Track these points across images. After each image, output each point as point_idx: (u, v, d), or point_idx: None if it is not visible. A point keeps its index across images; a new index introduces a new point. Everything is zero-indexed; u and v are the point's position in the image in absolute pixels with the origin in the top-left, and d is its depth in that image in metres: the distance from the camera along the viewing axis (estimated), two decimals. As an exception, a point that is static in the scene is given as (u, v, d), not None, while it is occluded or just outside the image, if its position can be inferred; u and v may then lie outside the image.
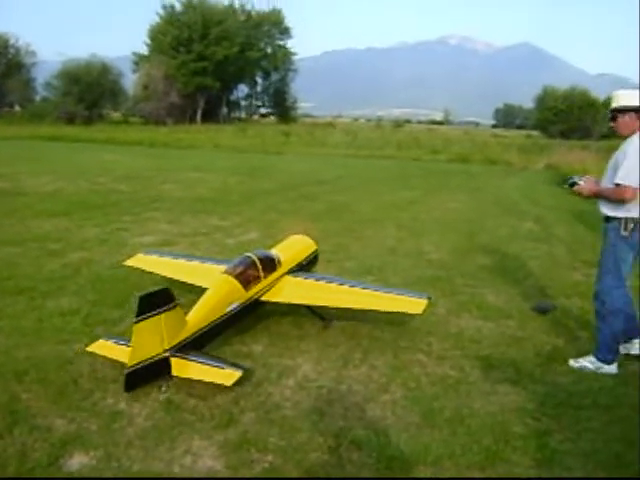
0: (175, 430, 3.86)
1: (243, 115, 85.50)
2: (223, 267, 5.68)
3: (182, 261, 6.63)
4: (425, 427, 4.02)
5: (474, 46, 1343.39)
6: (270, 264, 5.80)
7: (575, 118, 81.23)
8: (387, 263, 8.47)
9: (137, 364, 4.22)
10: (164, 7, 68.24)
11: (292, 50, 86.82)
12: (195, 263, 6.55)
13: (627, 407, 4.43)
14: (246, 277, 5.42)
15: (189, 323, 4.65)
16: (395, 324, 5.88)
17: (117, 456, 3.55)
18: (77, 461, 3.50)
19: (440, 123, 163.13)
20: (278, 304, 5.81)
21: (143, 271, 6.63)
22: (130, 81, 65.43)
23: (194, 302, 5.03)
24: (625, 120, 4.95)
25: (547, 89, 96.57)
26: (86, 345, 4.81)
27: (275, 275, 5.83)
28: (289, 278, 5.99)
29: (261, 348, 5.20)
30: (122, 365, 4.31)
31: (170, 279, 6.21)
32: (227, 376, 4.34)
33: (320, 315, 5.85)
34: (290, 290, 5.81)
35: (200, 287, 5.59)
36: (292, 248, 6.52)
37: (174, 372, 4.42)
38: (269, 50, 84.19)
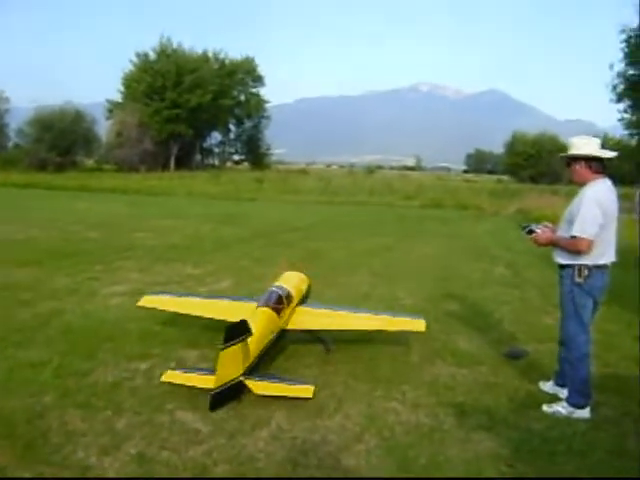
0: (147, 484, 3.79)
1: (216, 162, 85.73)
2: (240, 302, 6.87)
3: (194, 299, 7.24)
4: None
5: (444, 93, 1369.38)
6: (288, 297, 6.50)
7: (544, 163, 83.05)
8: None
9: (221, 386, 4.84)
10: (138, 55, 68.85)
11: (265, 98, 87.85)
12: (207, 300, 7.23)
13: (601, 451, 4.45)
14: (277, 309, 6.13)
15: (250, 350, 5.20)
16: (370, 371, 5.89)
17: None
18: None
19: (412, 169, 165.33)
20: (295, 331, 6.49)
21: (117, 320, 6.59)
22: (103, 128, 65.47)
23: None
24: (576, 168, 5.14)
25: (516, 134, 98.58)
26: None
27: (292, 306, 6.58)
28: (301, 309, 6.79)
29: (234, 398, 5.15)
30: (200, 390, 4.97)
31: (183, 314, 6.82)
32: (304, 390, 5.15)
33: (324, 341, 6.35)
34: (306, 319, 6.54)
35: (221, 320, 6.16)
36: (294, 282, 7.10)
37: (257, 391, 5.06)
38: (242, 98, 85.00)
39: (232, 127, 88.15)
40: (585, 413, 5.10)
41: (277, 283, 6.79)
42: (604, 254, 5.04)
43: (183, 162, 67.35)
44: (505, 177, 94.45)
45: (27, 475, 3.84)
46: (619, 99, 42.55)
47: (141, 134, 60.23)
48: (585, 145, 5.08)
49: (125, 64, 69.72)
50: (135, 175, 48.39)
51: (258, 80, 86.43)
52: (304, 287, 7.34)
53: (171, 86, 65.00)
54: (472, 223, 23.82)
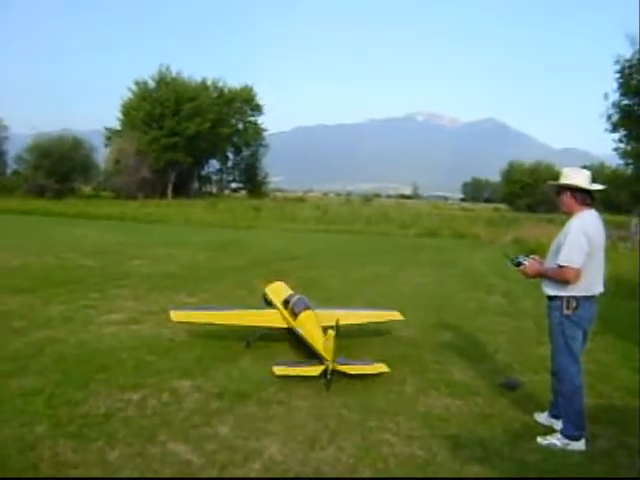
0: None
1: (214, 190, 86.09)
2: (259, 310, 8.30)
3: (219, 312, 8.15)
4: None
5: (440, 122, 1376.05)
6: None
7: (541, 192, 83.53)
8: (355, 340, 8.38)
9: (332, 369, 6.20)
10: (137, 83, 69.43)
11: (263, 126, 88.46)
12: (230, 312, 8.15)
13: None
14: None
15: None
16: (363, 402, 5.86)
17: None
18: None
19: (409, 197, 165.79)
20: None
21: (111, 349, 6.61)
22: (102, 155, 65.78)
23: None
24: (562, 198, 5.20)
25: (513, 163, 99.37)
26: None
27: None
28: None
29: (227, 430, 5.09)
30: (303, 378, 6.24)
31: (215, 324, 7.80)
32: (380, 367, 6.68)
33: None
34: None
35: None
36: (290, 289, 8.49)
37: (349, 372, 6.41)
38: (240, 126, 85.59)
39: (230, 155, 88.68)
40: (580, 445, 5.08)
41: (289, 292, 8.25)
42: (592, 285, 5.08)
43: (181, 190, 67.60)
44: (502, 205, 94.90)
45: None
46: (614, 129, 42.89)
47: (139, 162, 60.54)
48: (574, 176, 5.14)
49: (124, 91, 70.31)
50: (133, 202, 48.52)
51: (256, 109, 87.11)
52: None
53: (170, 114, 65.52)
54: (468, 252, 23.87)
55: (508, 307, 11.84)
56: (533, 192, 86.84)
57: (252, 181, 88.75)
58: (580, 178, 5.12)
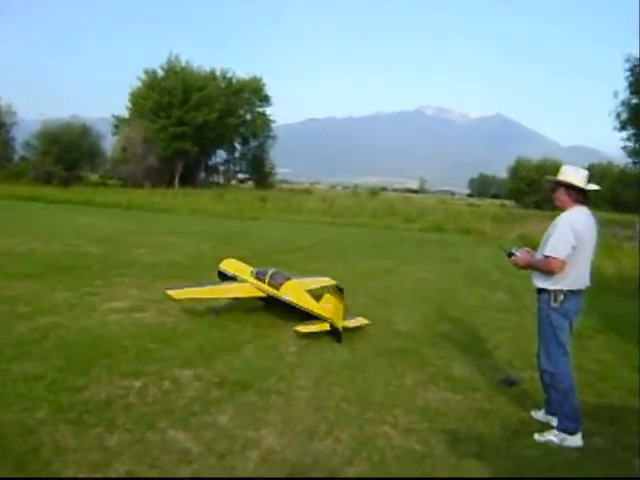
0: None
1: (221, 180, 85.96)
2: (242, 283, 9.44)
3: (210, 287, 9.26)
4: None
5: (449, 117, 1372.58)
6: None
7: (538, 187, 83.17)
8: (355, 333, 8.40)
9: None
10: (146, 72, 69.29)
11: (271, 118, 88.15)
12: (219, 287, 9.54)
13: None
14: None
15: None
16: (362, 395, 5.89)
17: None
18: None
19: (415, 192, 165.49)
20: None
21: (114, 337, 6.70)
22: (109, 143, 65.77)
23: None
24: (557, 194, 5.34)
25: (520, 160, 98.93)
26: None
27: None
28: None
29: (226, 419, 5.14)
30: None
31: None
32: (362, 320, 8.57)
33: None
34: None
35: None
36: (244, 265, 10.27)
37: (348, 325, 8.07)
38: (248, 117, 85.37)
39: (237, 146, 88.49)
40: (577, 440, 5.11)
41: (250, 267, 9.88)
42: (579, 279, 5.20)
43: (187, 179, 67.48)
44: (509, 202, 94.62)
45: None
46: (622, 127, 42.76)
47: (146, 150, 60.45)
48: (571, 174, 5.25)
49: (133, 80, 70.22)
50: (139, 191, 48.51)
51: (265, 100, 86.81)
52: None
53: (178, 103, 65.32)
54: (473, 247, 23.85)
55: (511, 303, 11.84)
56: (540, 189, 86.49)
57: (259, 172, 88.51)
58: (576, 176, 5.23)
